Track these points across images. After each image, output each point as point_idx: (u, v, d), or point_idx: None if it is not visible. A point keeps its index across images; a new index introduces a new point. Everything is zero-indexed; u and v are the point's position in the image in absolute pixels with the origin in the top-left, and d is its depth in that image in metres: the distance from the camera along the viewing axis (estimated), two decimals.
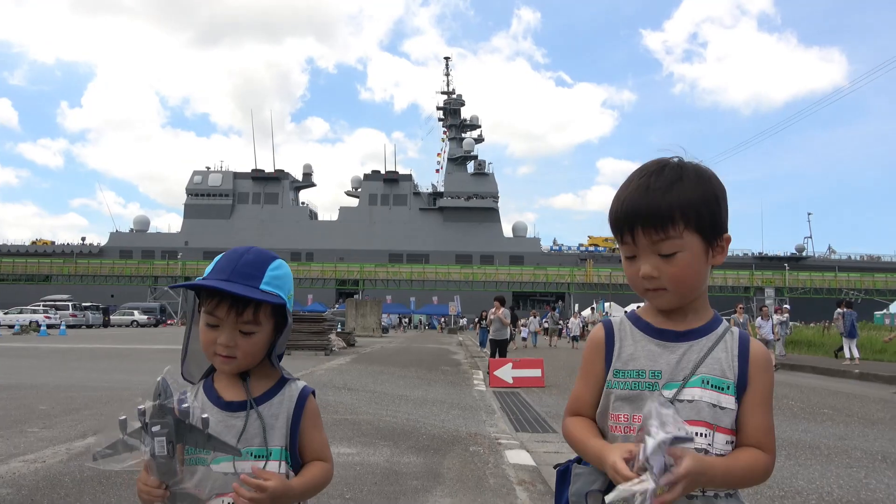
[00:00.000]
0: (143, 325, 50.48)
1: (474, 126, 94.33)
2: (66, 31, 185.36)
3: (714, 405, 1.27)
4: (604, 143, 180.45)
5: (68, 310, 46.34)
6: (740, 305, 17.53)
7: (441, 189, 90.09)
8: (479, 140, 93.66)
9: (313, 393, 1.52)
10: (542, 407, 9.08)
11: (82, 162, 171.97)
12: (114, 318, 51.61)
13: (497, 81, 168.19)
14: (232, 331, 1.40)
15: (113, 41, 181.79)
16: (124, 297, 66.76)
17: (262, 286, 1.41)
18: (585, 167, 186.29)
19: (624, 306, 45.98)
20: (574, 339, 29.75)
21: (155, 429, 1.25)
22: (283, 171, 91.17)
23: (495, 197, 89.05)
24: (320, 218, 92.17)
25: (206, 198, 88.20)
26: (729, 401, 1.28)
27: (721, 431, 1.27)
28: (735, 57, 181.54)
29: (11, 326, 36.99)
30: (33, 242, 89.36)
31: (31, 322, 38.30)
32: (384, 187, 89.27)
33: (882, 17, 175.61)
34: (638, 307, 1.46)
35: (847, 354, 17.28)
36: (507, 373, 11.82)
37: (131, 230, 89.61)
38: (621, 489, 1.13)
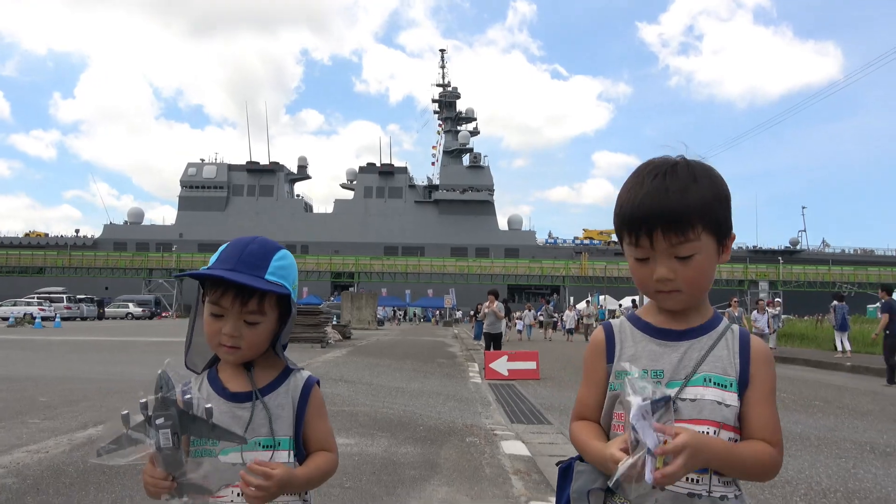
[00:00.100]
0: (138, 318, 50.37)
1: (470, 119, 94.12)
2: (58, 21, 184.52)
3: (719, 402, 1.26)
4: (599, 136, 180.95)
5: (63, 302, 46.38)
6: (735, 299, 17.62)
7: (436, 182, 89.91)
8: (475, 133, 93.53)
9: (318, 383, 1.53)
10: (537, 399, 9.17)
11: (75, 153, 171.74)
12: (108, 310, 51.51)
13: (493, 74, 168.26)
14: (237, 321, 1.40)
15: (106, 32, 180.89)
16: (119, 290, 66.70)
17: (268, 276, 1.40)
18: (581, 160, 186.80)
19: (619, 299, 46.12)
20: (569, 331, 29.83)
21: (159, 421, 1.25)
22: (277, 163, 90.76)
23: (491, 190, 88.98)
24: (315, 210, 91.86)
25: (200, 190, 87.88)
26: (732, 398, 1.28)
27: (726, 429, 1.26)
28: (731, 50, 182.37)
29: (6, 319, 36.97)
30: (27, 234, 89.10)
31: (25, 314, 38.21)
32: (379, 180, 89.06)
33: (877, 12, 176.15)
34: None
35: (839, 347, 17.39)
36: (502, 365, 11.90)
37: (125, 222, 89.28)
38: (619, 467, 1.14)
